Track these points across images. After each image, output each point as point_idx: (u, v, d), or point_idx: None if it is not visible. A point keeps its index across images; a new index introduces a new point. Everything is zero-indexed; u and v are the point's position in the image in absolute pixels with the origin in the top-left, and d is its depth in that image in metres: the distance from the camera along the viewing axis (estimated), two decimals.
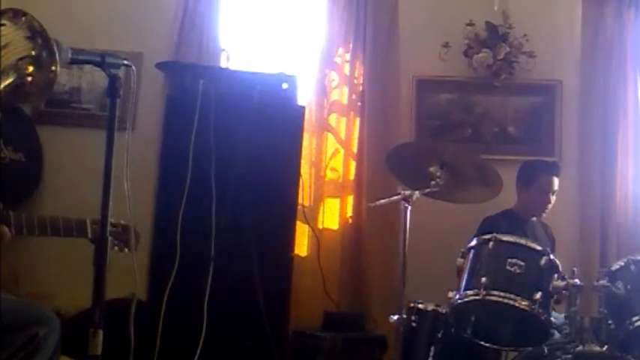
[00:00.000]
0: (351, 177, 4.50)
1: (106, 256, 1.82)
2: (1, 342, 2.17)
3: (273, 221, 3.66)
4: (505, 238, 3.03)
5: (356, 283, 4.38)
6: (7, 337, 2.18)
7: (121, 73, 1.97)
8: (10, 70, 1.76)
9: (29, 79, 1.79)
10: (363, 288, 4.37)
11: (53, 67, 1.80)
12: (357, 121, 4.52)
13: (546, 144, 4.51)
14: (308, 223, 4.26)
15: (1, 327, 2.16)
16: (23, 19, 1.79)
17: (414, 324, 3.15)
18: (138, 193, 2.05)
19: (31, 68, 1.79)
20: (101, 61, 1.90)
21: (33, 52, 1.78)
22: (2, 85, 1.72)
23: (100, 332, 1.82)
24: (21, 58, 1.78)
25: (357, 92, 4.54)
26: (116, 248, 1.97)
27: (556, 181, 3.92)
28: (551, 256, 2.97)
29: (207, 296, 3.41)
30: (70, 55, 1.82)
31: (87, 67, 4.33)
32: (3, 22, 1.80)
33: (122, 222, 2.27)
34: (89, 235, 2.27)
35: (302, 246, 4.33)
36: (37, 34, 1.79)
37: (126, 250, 2.34)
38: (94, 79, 4.41)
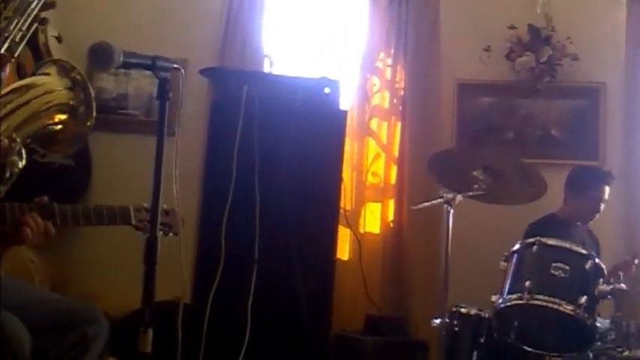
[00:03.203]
0: (393, 181, 4.50)
1: (156, 254, 1.84)
2: (52, 341, 2.20)
3: (315, 225, 3.69)
4: (550, 241, 3.01)
5: (397, 287, 4.38)
6: (57, 336, 2.21)
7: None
8: (43, 115, 1.78)
9: (60, 126, 1.82)
10: (405, 292, 4.36)
11: (88, 123, 1.83)
12: (399, 125, 4.53)
13: (590, 147, 4.45)
14: (350, 227, 4.28)
15: (52, 326, 2.20)
16: (71, 74, 1.83)
17: (456, 328, 3.15)
18: (182, 196, 2.08)
19: (64, 117, 1.82)
20: (152, 64, 1.92)
21: (71, 102, 1.81)
22: (32, 129, 1.74)
23: (150, 330, 1.85)
24: (56, 105, 1.81)
25: (398, 96, 4.55)
26: (161, 233, 1.96)
27: (608, 190, 3.86)
28: (597, 260, 2.95)
29: (250, 298, 3.45)
30: (122, 58, 1.85)
31: (134, 73, 4.47)
32: (48, 71, 1.84)
33: (165, 206, 2.27)
34: (133, 222, 2.27)
35: (344, 250, 4.34)
36: (79, 87, 1.83)
37: (170, 234, 2.34)
38: (140, 85, 4.51)
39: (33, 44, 3.98)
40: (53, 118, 1.80)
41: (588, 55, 4.43)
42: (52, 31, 4.12)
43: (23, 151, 1.68)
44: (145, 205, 2.12)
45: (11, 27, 1.71)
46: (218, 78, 3.97)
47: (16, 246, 2.27)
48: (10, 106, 1.67)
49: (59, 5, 4.47)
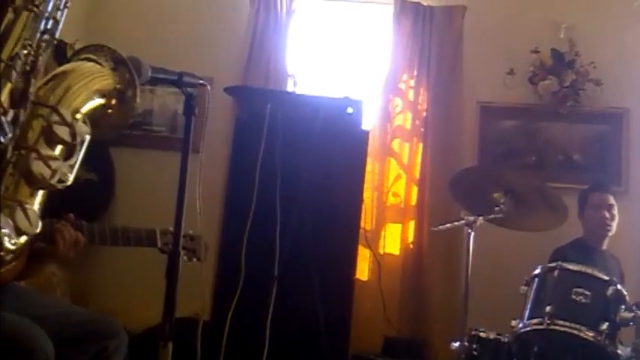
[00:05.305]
0: (413, 202, 4.50)
1: (178, 270, 1.86)
2: (73, 353, 2.21)
3: (335, 244, 3.69)
4: (571, 266, 2.99)
5: (416, 309, 4.36)
6: (78, 348, 2.23)
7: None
8: (92, 97, 1.79)
9: (110, 111, 1.84)
10: (424, 314, 4.34)
11: (135, 104, 1.84)
12: (420, 146, 4.53)
13: (612, 173, 4.41)
14: (369, 248, 4.28)
15: (73, 338, 2.21)
16: (106, 50, 1.84)
17: (474, 352, 3.12)
18: (204, 212, 2.10)
19: (112, 100, 1.83)
20: (179, 80, 1.95)
21: (118, 86, 1.83)
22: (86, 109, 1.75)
23: (170, 345, 1.85)
24: (102, 89, 1.83)
25: (420, 118, 4.56)
26: (185, 258, 1.99)
27: (607, 197, 3.84)
28: (618, 287, 2.92)
29: (269, 316, 3.45)
30: (149, 73, 1.87)
31: (159, 90, 4.53)
32: (87, 56, 1.85)
33: (191, 232, 2.31)
34: (158, 245, 2.31)
35: (363, 270, 4.33)
36: (120, 64, 1.83)
37: (194, 259, 2.37)
38: (165, 102, 4.56)
39: (61, 59, 4.05)
40: (101, 101, 1.80)
41: (611, 80, 4.42)
42: (80, 47, 4.18)
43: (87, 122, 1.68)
44: (171, 228, 2.14)
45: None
46: (242, 96, 4.01)
47: (50, 262, 2.30)
48: (59, 90, 1.68)
49: (88, 22, 4.57)
